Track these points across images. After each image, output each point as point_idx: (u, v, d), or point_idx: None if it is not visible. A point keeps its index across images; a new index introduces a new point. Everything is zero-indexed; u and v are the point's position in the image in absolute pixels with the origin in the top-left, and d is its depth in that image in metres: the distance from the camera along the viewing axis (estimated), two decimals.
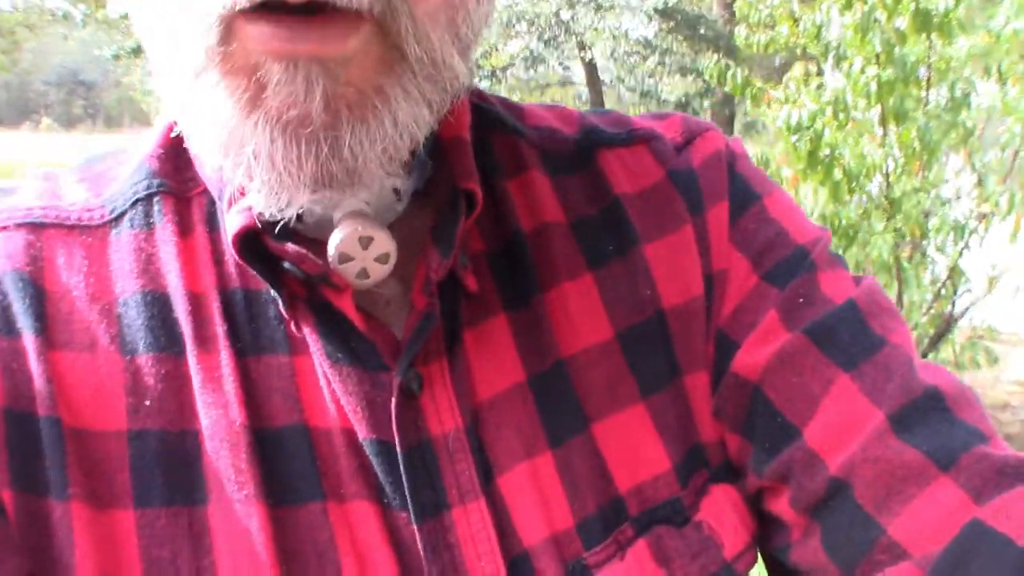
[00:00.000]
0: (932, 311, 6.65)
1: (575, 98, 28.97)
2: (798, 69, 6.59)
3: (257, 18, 0.55)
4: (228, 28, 0.55)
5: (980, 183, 6.16)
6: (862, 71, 5.59)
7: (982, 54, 5.80)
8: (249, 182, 0.61)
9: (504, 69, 22.02)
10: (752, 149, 7.36)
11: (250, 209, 0.67)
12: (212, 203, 0.73)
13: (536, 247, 0.76)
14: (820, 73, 7.16)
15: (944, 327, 6.69)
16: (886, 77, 5.50)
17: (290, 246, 0.66)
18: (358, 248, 0.66)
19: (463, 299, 0.72)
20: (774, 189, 0.81)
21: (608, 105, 25.45)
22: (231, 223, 0.68)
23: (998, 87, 5.95)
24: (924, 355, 6.69)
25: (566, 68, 23.72)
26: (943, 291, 6.57)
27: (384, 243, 0.67)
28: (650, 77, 20.27)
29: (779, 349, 0.72)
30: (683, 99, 20.16)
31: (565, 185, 0.79)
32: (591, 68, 21.18)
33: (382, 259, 0.68)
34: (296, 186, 0.59)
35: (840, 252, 6.03)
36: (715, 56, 6.94)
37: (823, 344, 0.72)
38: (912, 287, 6.58)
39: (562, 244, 0.77)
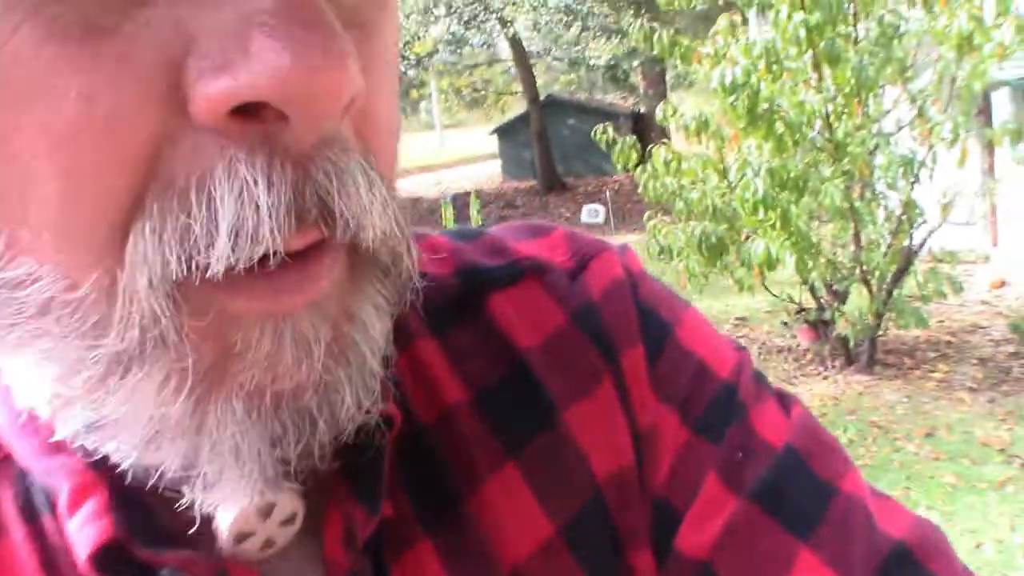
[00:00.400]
0: (892, 247, 6.61)
1: (504, 73, 28.78)
2: (723, 21, 6.49)
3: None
4: (182, 289, 0.40)
5: (920, 114, 6.09)
6: (789, 18, 5.49)
7: None
8: (200, 491, 0.46)
9: (429, 56, 21.83)
10: (689, 106, 7.28)
11: (107, 513, 0.49)
12: (25, 474, 0.54)
13: (444, 441, 0.62)
14: (745, 22, 7.08)
15: (905, 262, 6.65)
16: (814, 21, 5.40)
17: (171, 555, 0.49)
18: (258, 521, 0.51)
19: (382, 531, 0.57)
20: (683, 312, 0.70)
21: (540, 78, 25.27)
22: (79, 538, 0.49)
23: (924, 14, 5.88)
24: (889, 293, 6.66)
25: (491, 46, 23.53)
26: (900, 226, 6.54)
27: (288, 503, 0.52)
28: (576, 45, 20.12)
29: (727, 522, 0.62)
30: (611, 62, 20.07)
31: (458, 349, 0.65)
32: (516, 43, 20.97)
33: (288, 520, 0.53)
34: (266, 481, 0.45)
35: (792, 205, 5.99)
36: (638, 15, 6.82)
37: (773, 510, 0.63)
38: (868, 227, 6.55)
39: (473, 431, 0.63)
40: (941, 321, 7.98)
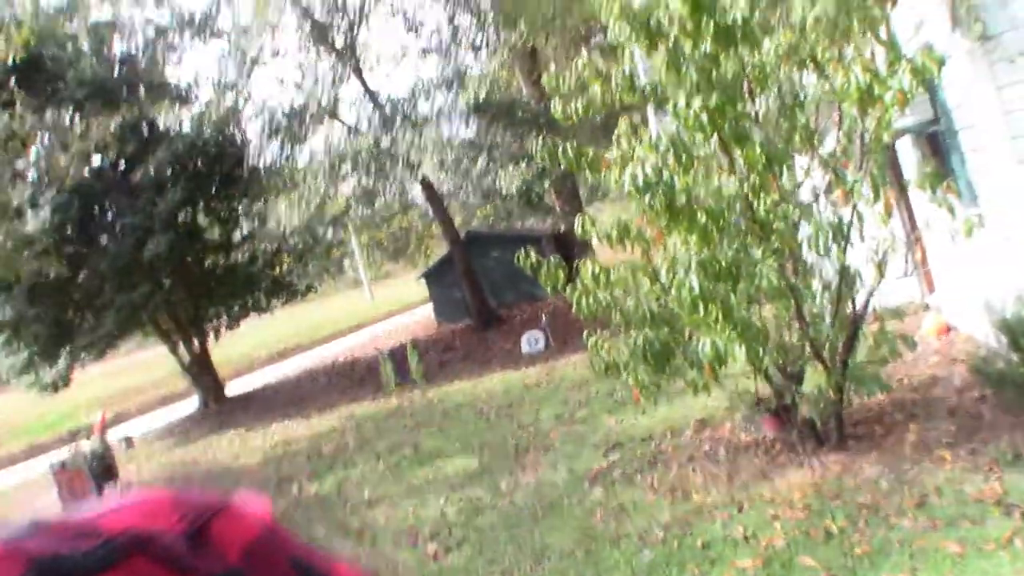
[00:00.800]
0: (837, 316, 6.47)
1: (421, 217, 28.94)
2: (623, 124, 6.45)
3: None
4: None
5: (837, 176, 6.03)
6: (688, 105, 5.43)
7: (791, 51, 5.73)
8: None
9: (344, 213, 21.83)
10: (607, 215, 7.19)
11: None
12: None
13: None
14: (645, 123, 7.08)
15: (853, 329, 6.51)
16: (714, 103, 5.35)
17: None
18: None
19: None
20: (330, 560, 0.66)
21: (457, 216, 25.42)
22: None
23: (817, 78, 5.89)
24: (844, 363, 6.49)
25: (403, 193, 23.64)
26: (840, 293, 6.41)
27: None
28: (485, 177, 20.28)
29: None
30: (523, 187, 20.26)
31: None
32: (427, 185, 21.09)
33: None
34: None
35: (729, 292, 5.85)
36: (539, 136, 6.78)
37: None
38: (808, 300, 6.42)
39: None
40: (900, 379, 7.82)
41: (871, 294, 6.55)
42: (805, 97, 5.96)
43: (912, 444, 6.33)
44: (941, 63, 5.08)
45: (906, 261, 6.70)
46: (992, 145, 6.50)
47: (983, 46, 6.15)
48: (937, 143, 7.85)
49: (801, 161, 6.48)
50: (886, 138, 5.74)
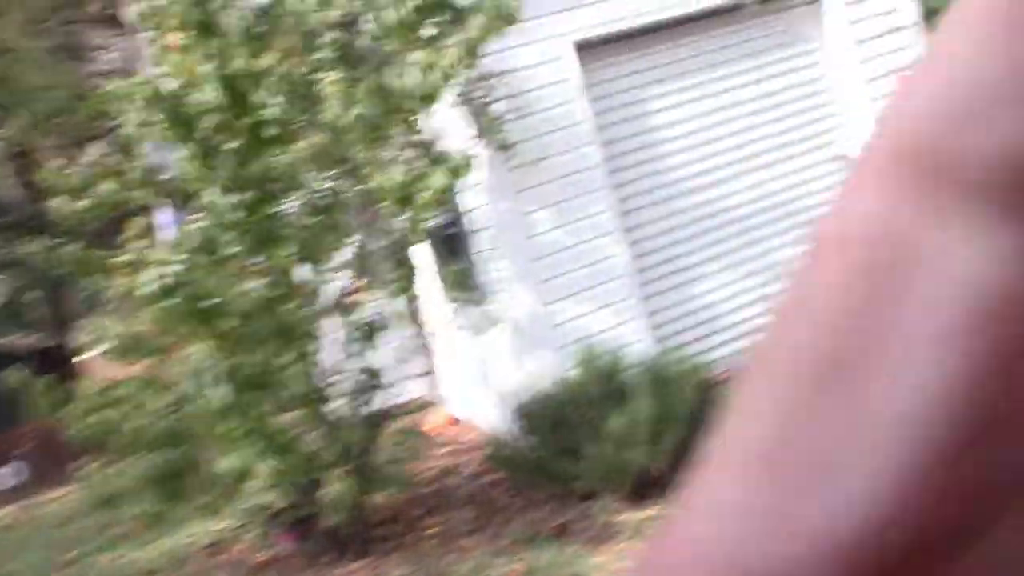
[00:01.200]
0: (357, 418, 6.47)
1: None
2: (133, 226, 6.00)
3: None
4: None
5: (365, 278, 6.10)
6: (221, 201, 5.17)
7: (322, 152, 5.72)
8: None
9: None
10: (109, 326, 6.58)
11: None
12: None
13: None
14: (153, 224, 6.68)
15: (374, 429, 6.52)
16: (249, 200, 5.15)
17: None
18: None
19: None
20: None
21: None
22: None
23: (353, 178, 5.95)
24: (364, 464, 6.47)
25: None
26: (361, 396, 6.43)
27: None
28: None
29: None
30: (12, 295, 18.33)
31: None
32: None
33: None
34: None
35: (258, 401, 5.59)
36: (34, 239, 6.08)
37: None
38: (328, 404, 6.38)
39: None
40: (415, 475, 7.95)
41: (391, 394, 6.67)
42: (338, 198, 5.97)
43: (433, 538, 6.46)
44: (469, 165, 5.41)
45: (421, 359, 6.94)
46: (507, 245, 7.03)
47: (503, 154, 6.68)
48: (452, 244, 8.27)
49: (331, 263, 6.46)
50: (417, 238, 5.93)
